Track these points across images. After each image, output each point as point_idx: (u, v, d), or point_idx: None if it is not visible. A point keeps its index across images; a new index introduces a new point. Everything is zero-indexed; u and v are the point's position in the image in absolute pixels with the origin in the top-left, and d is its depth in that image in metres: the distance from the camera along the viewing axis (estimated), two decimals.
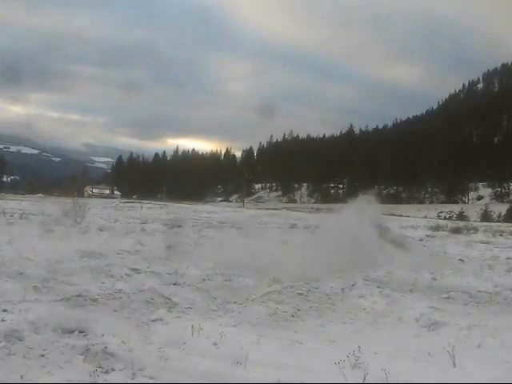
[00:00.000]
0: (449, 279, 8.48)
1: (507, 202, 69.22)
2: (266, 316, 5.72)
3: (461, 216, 46.92)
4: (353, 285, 7.49)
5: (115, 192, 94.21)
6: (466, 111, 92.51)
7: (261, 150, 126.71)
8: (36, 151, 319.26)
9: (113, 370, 3.59)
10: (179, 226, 16.97)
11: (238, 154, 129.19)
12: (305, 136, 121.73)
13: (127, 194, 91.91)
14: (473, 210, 52.99)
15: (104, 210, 26.78)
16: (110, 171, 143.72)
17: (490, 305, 6.81)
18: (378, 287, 7.32)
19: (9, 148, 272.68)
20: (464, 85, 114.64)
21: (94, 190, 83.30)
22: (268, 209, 51.06)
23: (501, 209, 50.99)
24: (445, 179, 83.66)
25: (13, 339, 3.93)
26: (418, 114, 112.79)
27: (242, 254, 9.17)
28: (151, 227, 16.43)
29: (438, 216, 49.61)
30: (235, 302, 6.22)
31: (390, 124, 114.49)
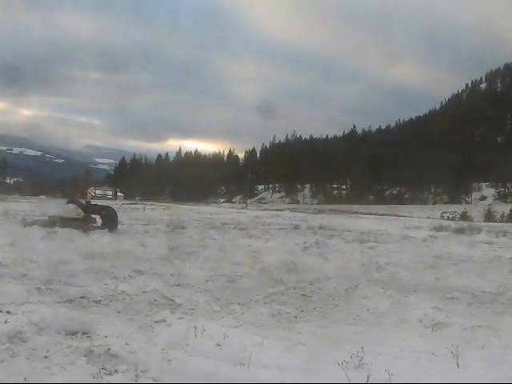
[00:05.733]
0: (452, 279, 8.45)
1: (510, 202, 69.08)
2: (269, 317, 5.72)
3: (464, 216, 46.78)
4: (356, 285, 7.48)
5: (118, 193, 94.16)
6: (469, 111, 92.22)
7: (264, 150, 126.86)
8: (39, 153, 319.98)
9: (116, 371, 3.58)
10: (182, 227, 16.95)
11: (241, 155, 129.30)
12: (307, 137, 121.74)
13: (130, 195, 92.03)
14: (476, 211, 52.76)
15: None
16: (112, 173, 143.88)
17: (493, 305, 6.78)
18: (382, 288, 7.30)
19: (12, 150, 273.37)
20: (467, 85, 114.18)
21: (97, 192, 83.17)
22: (271, 210, 51.00)
23: (504, 209, 50.62)
24: (448, 179, 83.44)
25: (16, 341, 3.93)
26: (421, 115, 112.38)
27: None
28: (154, 228, 16.44)
29: (442, 216, 49.48)
30: (238, 303, 6.22)
31: (393, 124, 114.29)
